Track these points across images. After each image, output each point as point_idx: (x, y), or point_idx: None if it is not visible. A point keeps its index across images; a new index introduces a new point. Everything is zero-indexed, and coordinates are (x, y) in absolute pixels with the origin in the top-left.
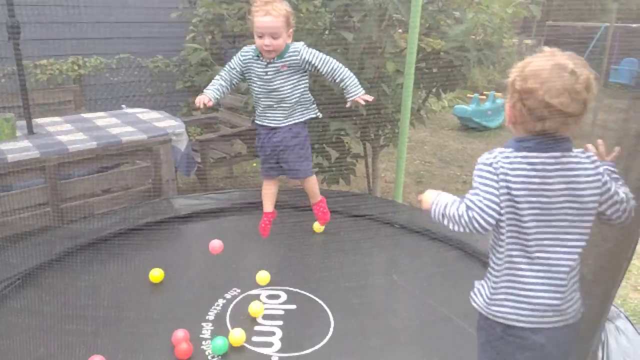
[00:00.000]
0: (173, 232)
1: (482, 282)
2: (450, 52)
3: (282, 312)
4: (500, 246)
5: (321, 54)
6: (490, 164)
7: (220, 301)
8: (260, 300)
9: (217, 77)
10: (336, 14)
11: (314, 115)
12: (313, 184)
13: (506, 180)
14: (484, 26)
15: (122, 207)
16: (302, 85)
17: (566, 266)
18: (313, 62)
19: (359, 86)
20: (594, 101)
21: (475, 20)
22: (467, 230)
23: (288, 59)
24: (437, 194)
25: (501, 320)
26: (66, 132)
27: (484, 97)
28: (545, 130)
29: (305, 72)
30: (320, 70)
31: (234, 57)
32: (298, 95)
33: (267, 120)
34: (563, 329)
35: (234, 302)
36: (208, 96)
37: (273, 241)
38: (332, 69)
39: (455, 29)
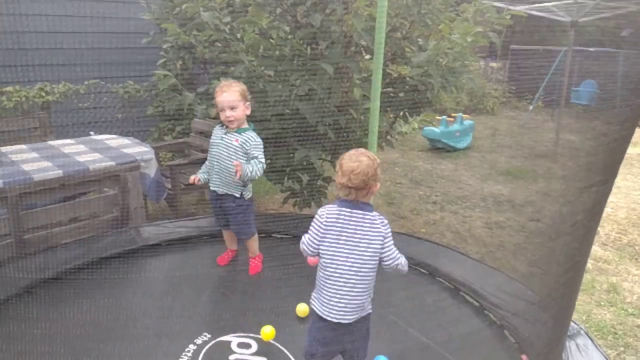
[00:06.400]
0: (139, 265)
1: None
2: (415, 77)
3: None
4: (320, 266)
5: (261, 155)
6: (320, 214)
7: (191, 347)
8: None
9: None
10: (304, 41)
11: (250, 194)
12: (253, 241)
13: (326, 222)
14: (446, 53)
15: (89, 236)
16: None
17: (351, 280)
18: (251, 155)
19: (251, 170)
20: (376, 180)
21: (437, 48)
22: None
23: (244, 137)
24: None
25: (318, 313)
26: (31, 161)
27: (452, 119)
28: (348, 195)
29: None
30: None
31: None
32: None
33: (215, 186)
34: (355, 322)
35: (205, 349)
36: (199, 177)
37: (247, 281)
38: (254, 163)
39: (419, 56)
